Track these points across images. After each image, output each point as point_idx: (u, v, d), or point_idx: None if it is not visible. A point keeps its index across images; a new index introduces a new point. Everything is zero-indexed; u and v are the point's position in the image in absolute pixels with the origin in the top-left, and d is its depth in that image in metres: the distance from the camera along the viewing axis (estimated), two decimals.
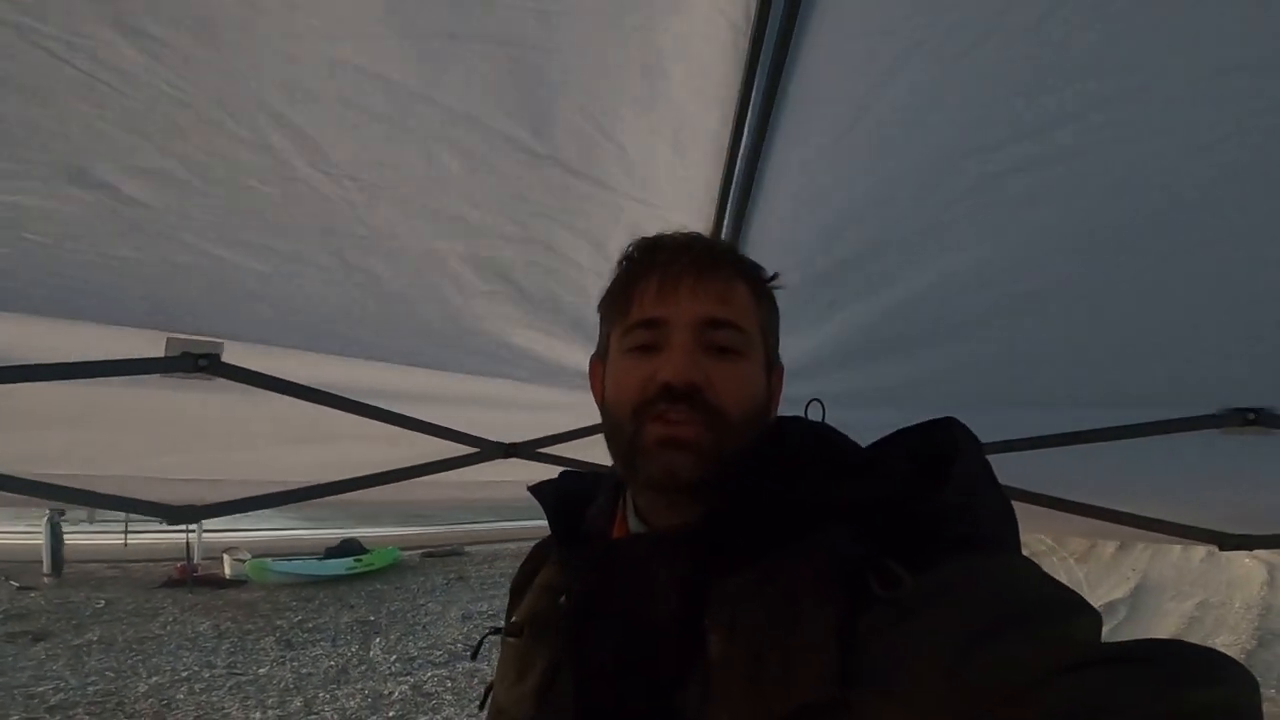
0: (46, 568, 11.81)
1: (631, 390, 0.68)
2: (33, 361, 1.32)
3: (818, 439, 0.72)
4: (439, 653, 8.25)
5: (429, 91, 0.87)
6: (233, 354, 1.45)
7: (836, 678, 0.51)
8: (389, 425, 1.63)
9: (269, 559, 12.88)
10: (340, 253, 1.12)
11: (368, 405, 1.58)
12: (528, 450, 1.82)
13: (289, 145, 0.90)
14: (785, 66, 0.90)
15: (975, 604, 0.51)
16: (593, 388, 0.79)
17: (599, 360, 0.77)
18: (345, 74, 0.83)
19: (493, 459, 1.81)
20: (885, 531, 0.57)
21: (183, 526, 13.46)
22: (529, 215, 1.11)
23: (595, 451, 1.90)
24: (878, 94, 0.89)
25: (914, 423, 0.72)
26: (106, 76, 0.77)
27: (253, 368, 1.46)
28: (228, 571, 12.53)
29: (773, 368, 0.73)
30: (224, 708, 6.30)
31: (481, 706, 0.79)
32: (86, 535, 14.86)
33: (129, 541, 14.87)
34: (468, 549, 16.08)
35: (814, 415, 0.81)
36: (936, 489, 0.60)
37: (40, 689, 6.39)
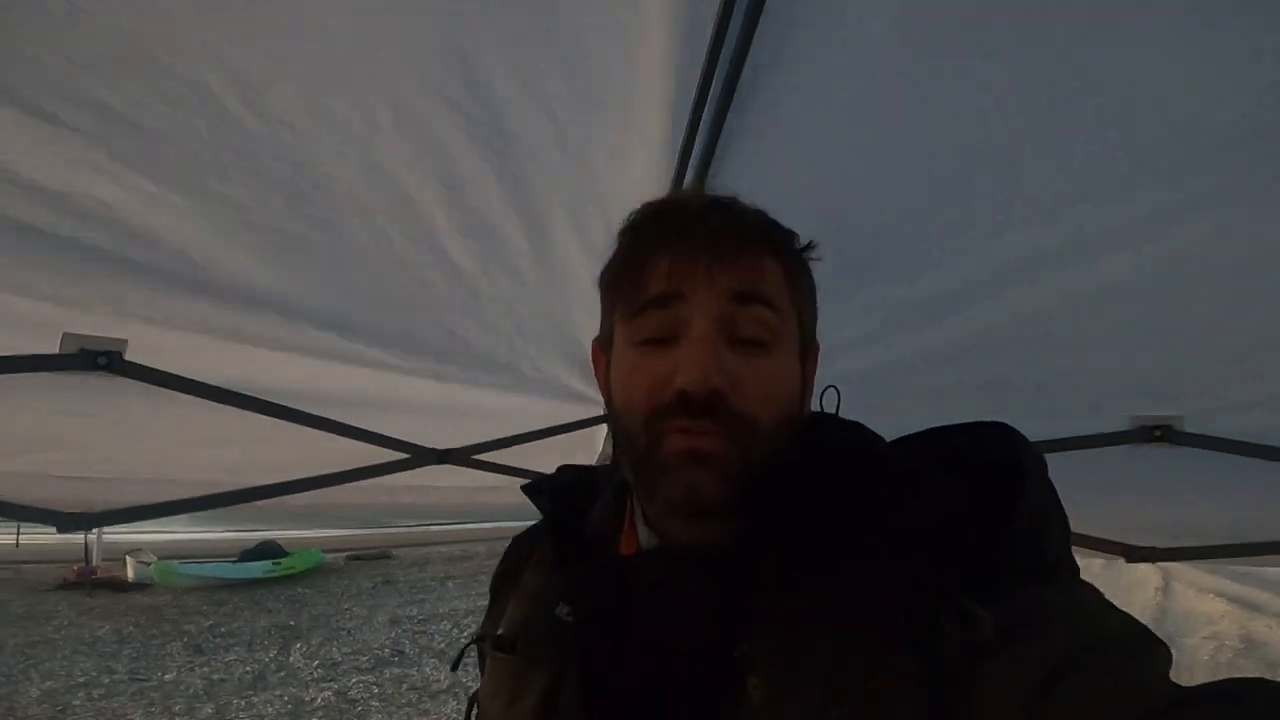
0: None
1: (642, 394, 0.59)
2: None
3: (859, 443, 0.64)
4: (365, 658, 7.99)
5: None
6: (137, 352, 1.35)
7: None
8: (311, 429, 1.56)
9: (176, 562, 12.21)
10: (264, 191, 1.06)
11: (288, 408, 1.50)
12: (462, 456, 1.76)
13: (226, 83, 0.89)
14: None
15: (1051, 640, 0.47)
16: (596, 377, 0.69)
17: (601, 348, 0.68)
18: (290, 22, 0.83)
19: (424, 465, 1.75)
20: (948, 558, 0.52)
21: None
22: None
23: (534, 459, 1.86)
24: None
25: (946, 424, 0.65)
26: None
27: (160, 366, 1.37)
28: (131, 574, 11.85)
29: (809, 353, 0.64)
30: (126, 714, 5.97)
31: (466, 718, 0.71)
32: None
33: (21, 542, 13.87)
34: (395, 552, 15.67)
35: (828, 404, 0.72)
36: (1008, 516, 0.53)
37: None
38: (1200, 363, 1.30)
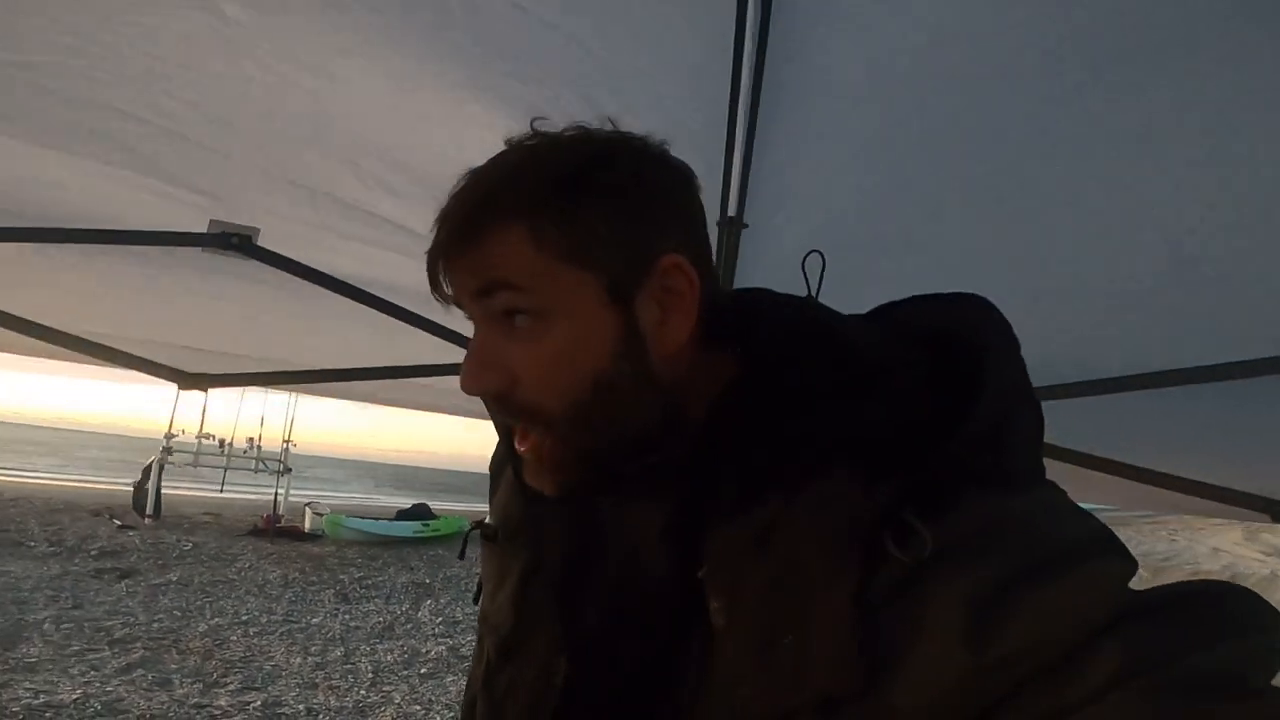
0: (149, 509, 12.51)
1: None
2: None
3: (805, 336, 0.57)
4: None
5: None
6: (269, 240, 1.52)
7: (859, 666, 0.44)
8: (410, 326, 1.64)
9: (343, 515, 13.54)
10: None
11: (390, 303, 1.60)
12: None
13: None
14: None
15: (996, 555, 0.45)
16: None
17: None
18: None
19: None
20: (896, 463, 0.49)
21: (271, 483, 14.38)
22: None
23: None
24: None
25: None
26: None
27: (286, 253, 1.52)
28: (307, 525, 13.17)
29: (629, 287, 0.53)
30: (269, 651, 6.57)
31: (475, 600, 0.74)
32: (188, 487, 15.97)
33: (224, 490, 16.00)
34: None
35: (813, 268, 0.71)
36: (963, 414, 0.50)
37: (109, 623, 6.73)
38: None
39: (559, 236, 0.51)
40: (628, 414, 0.54)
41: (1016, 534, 0.46)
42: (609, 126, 0.57)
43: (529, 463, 0.56)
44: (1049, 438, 0.58)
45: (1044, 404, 0.56)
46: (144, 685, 5.38)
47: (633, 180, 0.54)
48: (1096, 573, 0.45)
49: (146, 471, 12.87)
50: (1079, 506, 0.49)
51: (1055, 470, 0.56)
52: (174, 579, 8.68)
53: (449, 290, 0.55)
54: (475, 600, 0.73)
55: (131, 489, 13.06)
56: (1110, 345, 1.37)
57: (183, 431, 14.71)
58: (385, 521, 13.86)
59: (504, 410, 0.55)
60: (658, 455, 0.56)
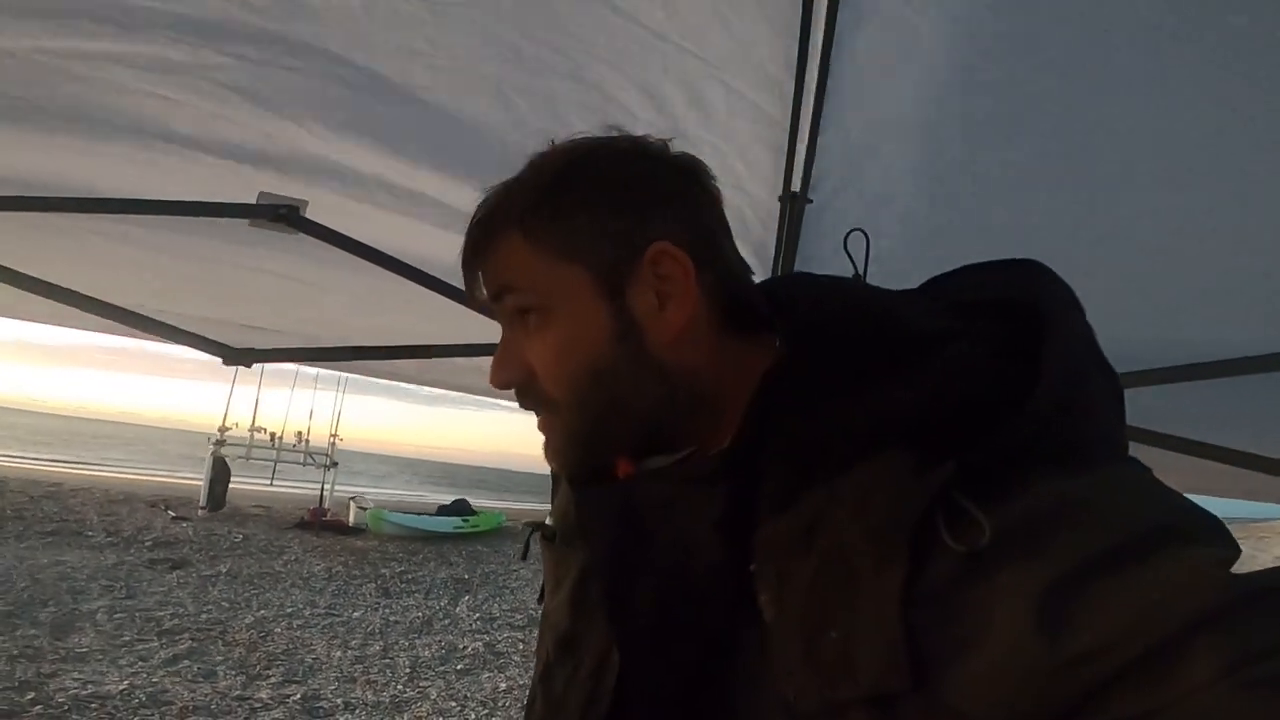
0: (202, 500, 12.92)
1: None
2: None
3: (843, 315, 0.55)
4: (519, 616, 8.39)
5: None
6: (316, 213, 1.48)
7: (906, 666, 0.42)
8: (454, 302, 1.59)
9: (386, 510, 13.80)
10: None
11: (439, 280, 1.54)
12: None
13: None
14: None
15: (1067, 541, 0.41)
16: None
17: None
18: None
19: None
20: (952, 445, 0.45)
21: (319, 478, 14.67)
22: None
23: None
24: None
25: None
26: None
27: (333, 226, 1.48)
28: (351, 519, 13.40)
29: (623, 278, 0.55)
30: (311, 644, 6.62)
31: (539, 599, 0.76)
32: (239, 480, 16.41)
33: (274, 483, 16.40)
34: None
35: (856, 247, 0.71)
36: (1026, 386, 0.46)
37: (159, 614, 6.83)
38: None
39: (548, 236, 0.55)
40: (628, 400, 0.56)
41: (1091, 516, 0.42)
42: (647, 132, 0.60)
43: (544, 445, 0.60)
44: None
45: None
46: (189, 677, 5.46)
47: (614, 175, 0.57)
48: (1185, 557, 0.40)
49: (217, 465, 13.29)
50: (1165, 485, 0.45)
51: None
52: (224, 570, 8.87)
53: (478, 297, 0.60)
54: (539, 600, 0.74)
55: (203, 482, 13.42)
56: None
57: (235, 425, 15.10)
58: (426, 516, 14.10)
59: (526, 402, 0.59)
60: (686, 443, 0.58)
